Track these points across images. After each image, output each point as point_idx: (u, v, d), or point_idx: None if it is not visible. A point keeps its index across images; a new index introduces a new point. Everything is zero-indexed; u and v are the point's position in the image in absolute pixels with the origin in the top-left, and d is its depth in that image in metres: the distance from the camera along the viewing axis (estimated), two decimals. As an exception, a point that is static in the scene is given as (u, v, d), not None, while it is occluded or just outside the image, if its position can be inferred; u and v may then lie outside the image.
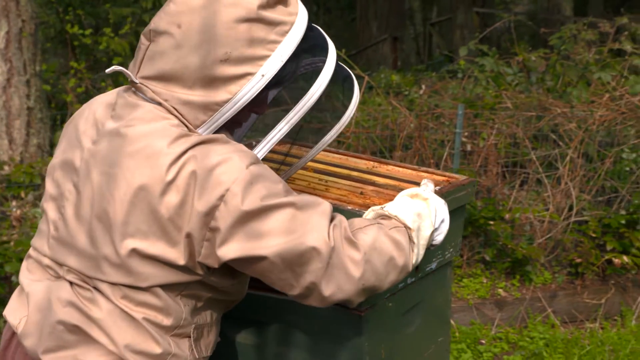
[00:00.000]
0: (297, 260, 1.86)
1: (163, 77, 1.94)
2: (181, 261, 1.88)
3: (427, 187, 2.18)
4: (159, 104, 1.94)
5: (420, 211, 2.05)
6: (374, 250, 1.92)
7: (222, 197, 1.83)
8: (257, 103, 2.01)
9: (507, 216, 5.94)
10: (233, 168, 1.84)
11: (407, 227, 2.01)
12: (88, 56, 9.13)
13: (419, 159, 6.29)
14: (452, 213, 2.55)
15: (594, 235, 5.97)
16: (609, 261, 5.84)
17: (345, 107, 2.10)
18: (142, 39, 1.99)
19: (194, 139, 1.88)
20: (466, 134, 6.66)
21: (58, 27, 9.41)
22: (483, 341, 5.29)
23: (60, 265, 2.00)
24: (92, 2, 9.59)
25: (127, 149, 1.90)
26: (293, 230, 1.85)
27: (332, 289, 1.89)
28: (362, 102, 7.21)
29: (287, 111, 1.98)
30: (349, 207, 2.20)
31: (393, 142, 6.58)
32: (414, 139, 6.42)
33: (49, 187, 2.09)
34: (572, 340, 5.29)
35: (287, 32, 1.93)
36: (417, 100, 7.55)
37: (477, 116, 6.97)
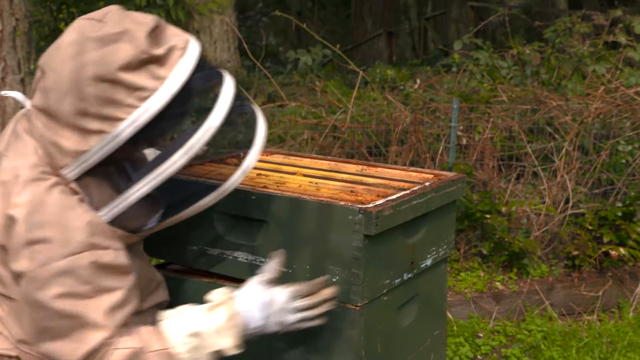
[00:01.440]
0: None
1: (46, 112, 1.96)
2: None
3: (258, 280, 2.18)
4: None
5: (202, 329, 2.06)
6: None
7: (21, 274, 1.93)
8: (125, 155, 2.00)
9: (503, 209, 5.94)
10: (45, 253, 1.91)
11: (172, 354, 2.02)
12: (82, 54, 9.09)
13: (415, 154, 6.29)
14: (443, 209, 2.58)
15: (590, 227, 5.97)
16: (605, 253, 5.85)
17: (224, 178, 2.10)
18: (38, 69, 2.01)
19: (34, 189, 1.94)
20: (462, 127, 6.66)
21: (52, 25, 9.41)
22: (481, 334, 5.29)
23: None
24: (86, 0, 9.58)
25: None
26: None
27: None
28: (357, 97, 7.20)
29: (147, 172, 1.96)
30: (342, 204, 2.20)
31: (389, 137, 6.58)
32: (410, 134, 6.42)
33: None
34: (569, 333, 5.29)
35: (145, 98, 1.88)
36: (413, 94, 7.55)
37: (472, 110, 6.97)
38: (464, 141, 6.58)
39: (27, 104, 2.06)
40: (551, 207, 6.08)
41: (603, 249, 5.79)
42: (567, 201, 6.22)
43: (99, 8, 2.06)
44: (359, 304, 2.18)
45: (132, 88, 1.88)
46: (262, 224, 2.32)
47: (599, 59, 7.52)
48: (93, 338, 1.93)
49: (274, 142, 6.81)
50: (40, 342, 1.96)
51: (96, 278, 1.94)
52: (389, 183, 2.57)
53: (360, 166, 2.85)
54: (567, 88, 7.27)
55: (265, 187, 2.39)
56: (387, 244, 2.29)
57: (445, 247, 2.66)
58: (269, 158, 2.96)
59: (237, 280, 2.34)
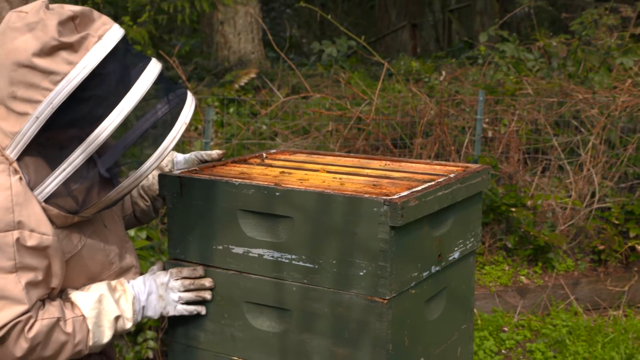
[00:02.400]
0: None
1: None
2: None
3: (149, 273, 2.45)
4: None
5: (103, 299, 2.30)
6: (41, 344, 2.17)
7: None
8: (56, 135, 2.14)
9: (529, 203, 5.91)
10: None
11: (85, 318, 2.26)
12: (107, 45, 9.10)
13: (440, 146, 6.26)
14: (469, 201, 2.56)
15: (616, 222, 5.93)
16: (632, 248, 5.80)
17: (144, 158, 2.19)
18: None
19: None
20: (487, 120, 6.62)
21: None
22: (505, 329, 5.27)
23: None
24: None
25: None
26: None
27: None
28: (382, 89, 7.18)
29: (69, 151, 2.12)
30: (367, 196, 2.19)
31: (413, 129, 6.55)
32: (435, 126, 6.39)
33: None
34: (595, 328, 5.25)
35: (58, 81, 2.05)
36: (437, 86, 7.51)
37: (497, 102, 6.93)
38: (490, 134, 6.55)
39: None
40: (577, 201, 6.03)
41: (629, 244, 5.75)
42: (593, 195, 6.18)
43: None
44: (386, 297, 2.16)
45: (47, 72, 2.05)
46: (287, 220, 2.30)
47: (627, 52, 7.47)
48: (11, 311, 2.12)
49: (298, 133, 6.80)
50: None
51: (19, 256, 2.11)
52: (414, 176, 2.54)
53: (384, 161, 2.83)
54: (593, 81, 7.22)
55: (289, 183, 2.37)
56: (413, 236, 2.26)
57: (472, 239, 2.63)
58: (292, 157, 2.94)
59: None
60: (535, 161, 6.67)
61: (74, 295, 2.27)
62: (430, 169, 2.69)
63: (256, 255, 2.36)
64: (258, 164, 2.75)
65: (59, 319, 2.19)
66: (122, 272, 2.43)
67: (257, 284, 2.36)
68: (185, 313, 2.43)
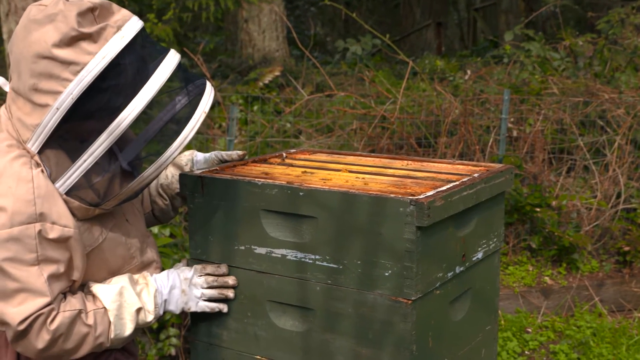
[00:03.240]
0: None
1: (14, 90, 2.21)
2: None
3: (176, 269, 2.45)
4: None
5: (124, 291, 2.31)
6: (63, 336, 2.20)
7: None
8: (76, 127, 2.16)
9: (553, 203, 5.87)
10: None
11: (106, 310, 2.28)
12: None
13: (464, 145, 6.23)
14: (492, 200, 2.54)
15: (642, 223, 5.88)
16: (658, 249, 5.75)
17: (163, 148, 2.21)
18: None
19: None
20: (512, 119, 6.59)
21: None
22: (529, 329, 5.24)
23: None
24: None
25: None
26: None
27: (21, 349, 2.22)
28: (406, 88, 7.15)
29: (90, 143, 2.13)
30: (392, 196, 2.17)
31: (438, 128, 6.53)
32: (459, 125, 6.36)
33: None
34: (619, 330, 5.21)
35: (78, 71, 2.08)
36: (462, 85, 7.48)
37: (523, 102, 6.90)
38: (515, 133, 6.51)
39: (6, 87, 2.30)
40: (602, 201, 5.99)
41: (655, 245, 5.70)
42: (618, 196, 6.13)
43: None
44: (412, 298, 2.15)
45: (67, 63, 2.08)
46: (311, 221, 2.29)
47: (654, 51, 7.40)
48: (34, 304, 2.14)
49: (322, 131, 6.79)
50: None
51: (41, 248, 2.14)
52: (437, 176, 2.54)
53: (406, 161, 2.83)
54: (620, 80, 7.16)
55: (312, 183, 2.36)
56: (439, 236, 2.25)
57: (495, 239, 2.62)
58: (313, 157, 2.93)
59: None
60: (561, 161, 6.63)
61: (95, 288, 2.29)
62: (453, 169, 2.68)
63: (279, 256, 2.35)
64: (279, 164, 2.74)
65: (80, 311, 2.21)
66: (143, 267, 2.45)
67: (280, 283, 2.35)
68: (207, 310, 2.44)
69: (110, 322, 2.27)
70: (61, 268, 2.18)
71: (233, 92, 7.61)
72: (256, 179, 2.38)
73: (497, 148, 6.36)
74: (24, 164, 2.15)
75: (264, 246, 2.37)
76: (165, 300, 2.39)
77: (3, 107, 2.29)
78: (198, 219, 2.48)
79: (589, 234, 5.92)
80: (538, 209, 5.74)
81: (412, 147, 6.30)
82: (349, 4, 18.68)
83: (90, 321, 2.23)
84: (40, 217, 2.13)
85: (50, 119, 2.10)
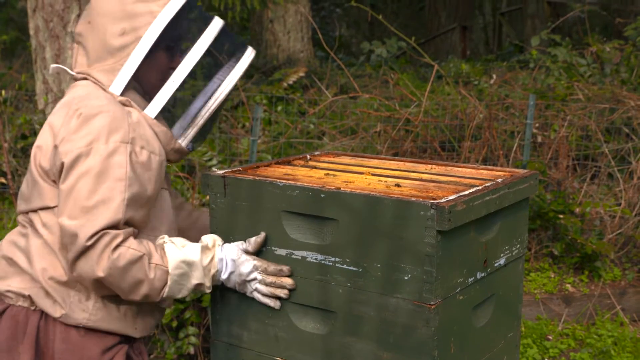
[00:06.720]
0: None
1: (88, 63, 2.44)
2: None
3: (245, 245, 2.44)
4: (85, 78, 2.45)
5: (193, 263, 2.36)
6: (120, 270, 2.25)
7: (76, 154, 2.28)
8: (150, 69, 2.45)
9: (577, 210, 5.83)
10: (94, 134, 2.27)
11: (167, 272, 2.33)
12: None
13: (488, 150, 6.20)
14: (516, 206, 2.53)
15: (666, 232, 5.83)
16: (681, 259, 5.70)
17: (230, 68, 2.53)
18: (75, 41, 2.51)
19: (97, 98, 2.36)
20: (537, 125, 6.55)
21: None
22: (550, 337, 5.20)
23: (18, 214, 2.46)
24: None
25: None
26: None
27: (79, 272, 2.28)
28: (431, 91, 7.13)
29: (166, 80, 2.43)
30: (413, 199, 2.17)
31: (462, 132, 6.50)
32: (484, 130, 6.33)
33: None
34: (641, 339, 5.17)
35: (165, 4, 2.40)
36: (487, 90, 7.45)
37: (548, 107, 6.86)
38: (539, 139, 6.47)
39: (72, 72, 2.50)
40: (626, 209, 5.94)
41: (679, 255, 5.65)
42: (643, 204, 6.08)
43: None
44: (432, 303, 2.14)
45: (145, 11, 2.39)
46: (332, 223, 2.29)
47: (682, 59, 7.34)
48: (105, 216, 2.23)
49: (346, 133, 6.78)
50: (65, 217, 2.25)
51: (130, 167, 2.28)
52: (460, 180, 2.53)
53: (430, 165, 2.83)
54: (647, 88, 7.11)
55: (334, 185, 2.36)
56: (460, 241, 2.24)
57: (518, 246, 2.60)
58: (336, 159, 2.93)
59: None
60: (585, 168, 6.59)
61: (168, 247, 2.35)
62: (477, 174, 2.68)
63: (299, 258, 2.35)
64: (302, 166, 2.74)
65: (143, 256, 2.28)
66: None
67: (302, 285, 2.35)
68: (260, 300, 2.44)
69: (166, 284, 2.32)
70: (140, 192, 2.31)
71: (257, 92, 7.62)
72: (278, 180, 2.37)
73: (521, 153, 6.33)
74: (110, 99, 2.36)
75: (284, 247, 2.37)
76: (224, 279, 2.43)
77: (78, 84, 2.45)
78: (220, 219, 2.48)
79: (612, 241, 5.87)
80: (561, 216, 5.70)
81: (436, 150, 6.28)
82: (375, 6, 18.67)
83: (151, 274, 2.29)
84: (132, 140, 2.31)
85: (134, 57, 2.37)
